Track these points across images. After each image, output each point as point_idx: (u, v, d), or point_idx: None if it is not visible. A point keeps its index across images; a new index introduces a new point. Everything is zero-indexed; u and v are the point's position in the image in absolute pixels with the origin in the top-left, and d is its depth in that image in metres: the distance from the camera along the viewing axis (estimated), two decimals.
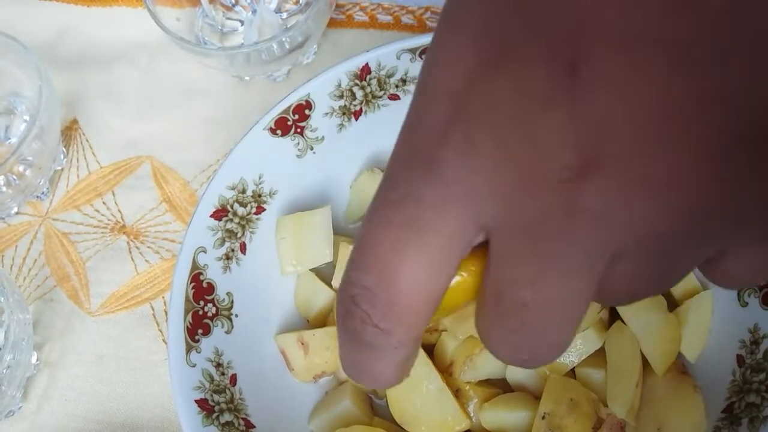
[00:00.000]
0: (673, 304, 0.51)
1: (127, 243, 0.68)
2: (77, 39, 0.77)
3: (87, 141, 0.73)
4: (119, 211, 0.69)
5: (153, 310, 0.65)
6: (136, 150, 0.72)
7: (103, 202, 0.70)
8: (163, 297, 0.65)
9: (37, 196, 0.70)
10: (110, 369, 0.63)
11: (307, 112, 0.56)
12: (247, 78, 0.73)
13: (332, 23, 0.74)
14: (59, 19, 0.78)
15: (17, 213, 0.70)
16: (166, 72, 0.75)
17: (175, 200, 0.69)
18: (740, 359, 0.48)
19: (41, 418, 0.62)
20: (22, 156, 0.65)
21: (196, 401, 0.48)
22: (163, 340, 0.63)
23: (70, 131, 0.73)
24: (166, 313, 0.64)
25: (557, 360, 0.47)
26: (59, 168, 0.71)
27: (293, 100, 0.56)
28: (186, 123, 0.72)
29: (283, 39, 0.66)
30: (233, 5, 0.74)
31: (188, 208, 0.68)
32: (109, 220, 0.69)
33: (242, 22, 0.74)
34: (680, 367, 0.50)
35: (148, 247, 0.67)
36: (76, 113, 0.74)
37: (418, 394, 0.49)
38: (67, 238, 0.69)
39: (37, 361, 0.64)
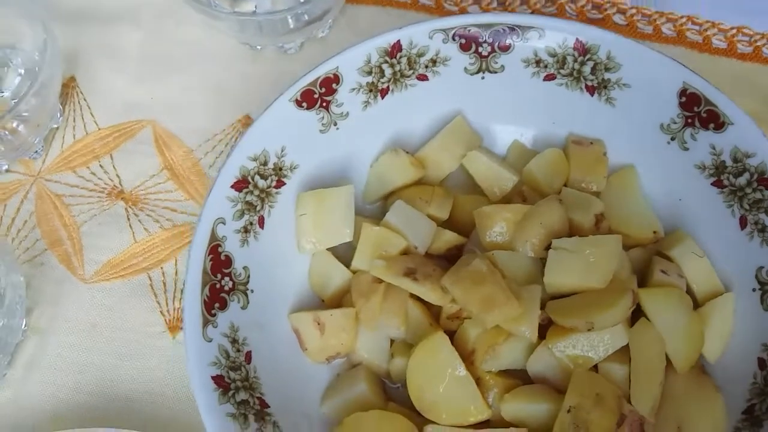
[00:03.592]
0: (695, 305, 0.51)
1: (125, 209, 0.65)
2: None
3: (85, 100, 0.70)
4: (117, 175, 0.66)
5: (151, 280, 0.62)
6: (137, 113, 0.69)
7: (101, 165, 0.67)
8: (161, 267, 0.63)
9: (30, 155, 0.67)
10: (103, 339, 0.60)
11: (334, 86, 0.55)
12: (258, 47, 0.70)
13: None
14: None
15: (7, 171, 0.67)
16: (171, 33, 0.72)
17: (177, 168, 0.66)
18: (762, 362, 0.48)
19: (28, 386, 0.59)
20: (19, 112, 0.61)
21: (212, 377, 0.46)
22: (161, 312, 0.61)
23: (67, 89, 0.70)
24: (164, 284, 0.62)
25: (583, 354, 0.47)
26: (55, 126, 0.68)
27: (321, 72, 0.54)
28: (191, 88, 0.70)
29: (300, 11, 0.64)
30: None
31: (191, 177, 0.66)
32: (106, 184, 0.66)
33: None
34: (700, 367, 0.50)
35: (148, 215, 0.65)
36: (75, 70, 0.71)
37: (441, 380, 0.48)
38: (60, 200, 0.65)
39: (24, 326, 0.61)
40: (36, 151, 0.67)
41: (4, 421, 0.58)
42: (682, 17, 0.70)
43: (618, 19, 0.70)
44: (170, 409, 0.58)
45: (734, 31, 0.68)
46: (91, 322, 0.61)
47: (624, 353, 0.49)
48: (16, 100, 0.61)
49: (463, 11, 0.72)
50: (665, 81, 0.53)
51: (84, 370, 0.59)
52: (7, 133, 0.64)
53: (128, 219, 0.64)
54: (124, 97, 0.69)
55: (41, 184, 0.66)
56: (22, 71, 0.68)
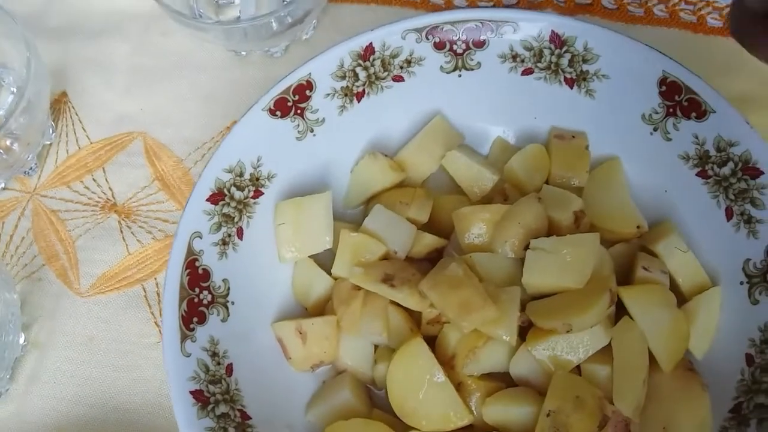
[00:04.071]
0: (681, 300, 0.50)
1: (119, 222, 0.66)
2: (66, 8, 0.74)
3: (76, 114, 0.70)
4: (110, 188, 0.67)
5: (145, 291, 0.63)
6: (128, 125, 0.69)
7: (94, 179, 0.68)
8: (155, 278, 0.63)
9: (25, 172, 0.68)
10: (101, 351, 0.61)
11: (308, 92, 0.54)
12: (243, 53, 0.70)
13: None
14: None
15: (4, 188, 0.68)
16: (159, 44, 0.72)
17: (168, 178, 0.67)
18: (749, 358, 0.47)
19: (29, 400, 0.60)
20: (9, 130, 0.62)
21: (191, 392, 0.47)
22: (155, 322, 0.62)
23: (59, 104, 0.71)
24: (158, 294, 0.63)
25: (563, 356, 0.46)
26: (48, 143, 0.69)
27: (294, 79, 0.54)
28: (180, 98, 0.70)
29: (283, 14, 0.64)
30: None
31: (182, 187, 0.66)
32: (99, 197, 0.67)
33: None
34: (687, 364, 0.49)
35: (140, 226, 0.65)
36: (66, 86, 0.72)
37: (420, 386, 0.48)
38: (56, 216, 0.67)
39: (24, 342, 0.62)
40: (31, 168, 0.68)
41: None
42: None
43: (607, 3, 0.68)
44: (166, 420, 0.58)
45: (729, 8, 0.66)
46: (88, 335, 0.62)
47: (607, 353, 0.48)
48: (6, 119, 0.62)
49: (449, 4, 0.71)
50: (644, 70, 0.52)
51: (83, 383, 0.60)
52: (1, 151, 0.65)
53: (121, 231, 0.65)
54: (115, 110, 0.70)
55: (37, 201, 0.67)
56: (14, 89, 0.69)
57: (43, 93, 0.65)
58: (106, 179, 0.68)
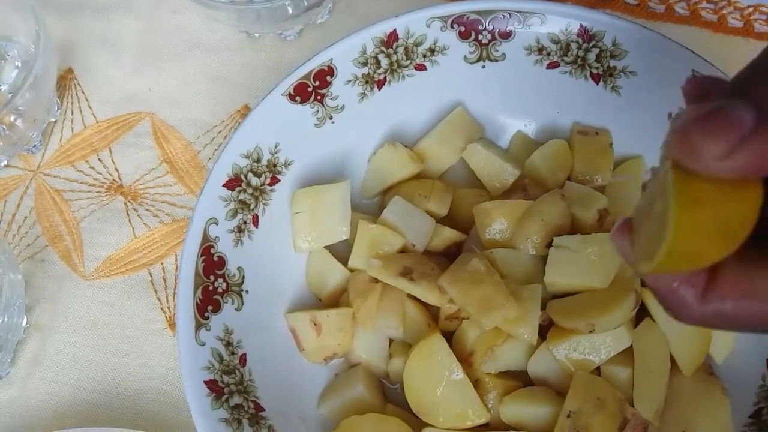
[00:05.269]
0: None
1: (125, 204, 0.64)
2: None
3: (83, 92, 0.68)
4: (116, 169, 0.66)
5: (151, 276, 0.62)
6: (136, 105, 0.68)
7: (99, 159, 0.66)
8: (162, 263, 0.62)
9: (29, 149, 0.66)
10: (105, 336, 0.60)
11: (328, 78, 0.53)
12: (256, 35, 0.69)
13: None
14: None
15: (7, 166, 0.66)
16: (169, 23, 0.70)
17: (177, 161, 0.65)
18: None
19: (31, 384, 0.59)
20: (15, 106, 0.60)
21: (205, 382, 0.46)
22: (162, 308, 0.60)
23: (64, 81, 0.69)
24: (164, 280, 0.61)
25: (584, 357, 0.46)
26: (53, 120, 0.67)
27: (315, 65, 0.52)
28: (189, 79, 0.68)
29: None
30: None
31: (190, 170, 0.65)
32: (105, 178, 0.65)
33: None
34: (707, 368, 0.48)
35: (147, 209, 0.64)
36: (72, 62, 0.70)
37: (438, 383, 0.47)
38: (60, 196, 0.65)
39: (26, 324, 0.60)
40: (35, 145, 0.66)
41: (10, 419, 0.58)
42: None
43: None
44: (172, 407, 0.57)
45: (751, 9, 0.65)
46: (92, 319, 0.61)
47: (628, 355, 0.47)
48: (12, 94, 0.60)
49: None
50: (674, 68, 0.51)
51: (86, 368, 0.59)
52: (5, 128, 0.63)
53: (128, 214, 0.64)
54: (122, 88, 0.68)
55: (40, 179, 0.66)
56: (19, 63, 0.67)
57: (51, 69, 0.63)
58: (112, 160, 0.66)
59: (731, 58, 0.66)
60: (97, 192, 0.65)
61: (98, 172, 0.66)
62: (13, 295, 0.57)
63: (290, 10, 0.64)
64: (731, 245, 0.27)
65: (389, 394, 0.52)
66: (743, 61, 0.65)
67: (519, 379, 0.50)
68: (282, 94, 0.52)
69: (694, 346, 0.47)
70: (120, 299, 0.61)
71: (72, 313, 0.61)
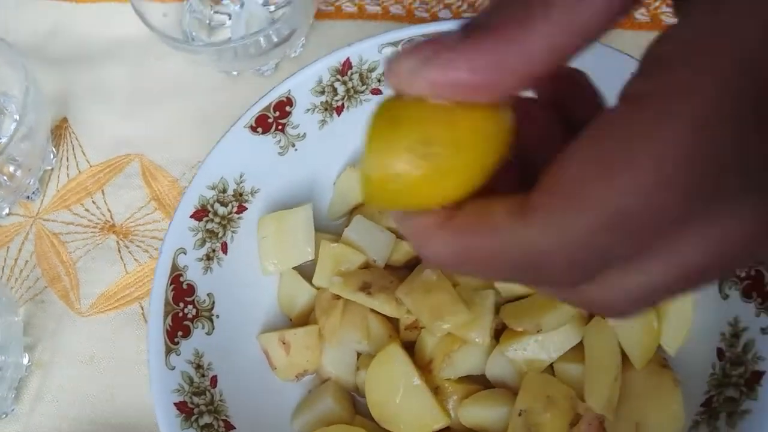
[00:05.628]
0: None
1: (117, 242, 0.68)
2: (67, 37, 0.77)
3: (77, 140, 0.73)
4: (108, 210, 0.69)
5: (142, 309, 0.65)
6: (126, 148, 0.72)
7: (93, 201, 0.70)
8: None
9: (28, 197, 0.70)
10: (101, 369, 0.63)
11: (288, 108, 0.56)
12: (235, 73, 0.72)
13: (320, 15, 0.74)
14: (48, 18, 0.78)
15: (9, 214, 0.70)
16: (154, 68, 0.74)
17: (164, 198, 0.69)
18: (720, 353, 0.47)
19: (34, 419, 0.62)
20: (11, 156, 0.65)
21: (175, 404, 0.48)
22: None
23: (60, 130, 0.73)
24: None
25: (535, 356, 0.47)
26: (49, 168, 0.71)
27: (273, 97, 0.55)
28: (175, 120, 0.72)
29: (270, 32, 0.66)
30: None
31: (177, 205, 0.68)
32: (99, 219, 0.69)
33: (230, 16, 0.73)
34: (660, 360, 0.49)
35: (137, 245, 0.67)
36: (67, 112, 0.74)
37: (396, 391, 0.49)
38: (57, 239, 0.69)
39: (28, 362, 0.64)
40: (33, 192, 0.70)
41: None
42: (655, 0, 0.68)
43: None
44: None
45: None
46: (89, 353, 0.64)
47: (580, 352, 0.49)
48: (5, 146, 0.65)
49: (434, 17, 0.72)
50: (618, 76, 0.52)
51: (85, 401, 0.62)
52: (5, 178, 0.67)
53: (119, 251, 0.67)
54: (113, 133, 0.72)
55: (40, 225, 0.70)
56: (17, 117, 0.71)
57: (43, 120, 0.68)
58: (105, 201, 0.70)
59: None
60: (92, 232, 0.69)
61: (92, 214, 0.69)
62: (11, 335, 0.61)
63: (263, 44, 0.68)
64: (449, 175, 0.23)
65: (360, 407, 0.54)
66: None
67: (480, 383, 0.51)
68: (244, 127, 0.55)
69: (644, 340, 0.48)
70: (114, 333, 0.64)
71: (70, 349, 0.64)
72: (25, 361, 0.64)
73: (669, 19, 0.67)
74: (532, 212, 0.22)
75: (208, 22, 0.73)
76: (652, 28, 0.67)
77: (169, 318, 0.50)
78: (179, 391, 0.49)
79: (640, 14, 0.68)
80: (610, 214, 0.21)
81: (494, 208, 0.23)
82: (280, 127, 0.56)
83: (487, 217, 0.23)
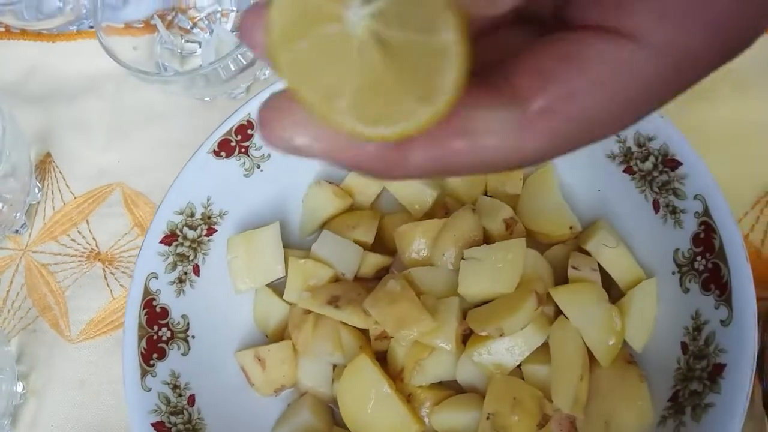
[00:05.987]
0: (619, 294, 0.51)
1: (103, 269, 0.70)
2: (45, 75, 0.79)
3: (60, 173, 0.75)
4: (94, 239, 0.71)
5: None
6: (108, 178, 0.74)
7: (79, 231, 0.72)
8: None
9: (16, 230, 0.72)
10: (92, 394, 0.65)
11: (249, 131, 0.57)
12: (207, 99, 0.74)
13: None
14: (27, 58, 0.80)
15: None
16: (131, 99, 0.76)
17: (146, 224, 0.71)
18: (684, 346, 0.48)
19: None
20: None
21: (152, 424, 0.50)
22: None
23: (44, 165, 0.76)
24: None
25: (500, 359, 0.48)
26: (35, 202, 0.73)
27: (234, 121, 0.57)
28: (152, 147, 0.74)
29: (237, 55, 0.67)
30: (191, 27, 0.76)
31: None
32: (84, 248, 0.71)
33: (200, 44, 0.75)
34: (627, 357, 0.50)
35: (123, 272, 0.69)
36: (50, 147, 0.76)
37: (368, 401, 0.50)
38: (46, 269, 0.71)
39: (23, 390, 0.66)
40: (21, 226, 0.73)
41: None
42: None
43: None
44: None
45: None
46: (80, 378, 0.66)
47: (546, 353, 0.49)
48: None
49: None
50: None
51: (78, 426, 0.64)
52: None
53: (105, 278, 0.69)
54: (95, 164, 0.74)
55: (29, 257, 0.72)
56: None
57: (24, 157, 0.70)
58: (89, 230, 0.72)
59: None
60: (78, 261, 0.71)
61: (78, 244, 0.71)
62: (4, 365, 0.63)
63: (232, 67, 0.70)
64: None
65: (338, 418, 0.55)
66: None
67: (452, 389, 0.52)
68: (207, 152, 0.56)
69: (607, 338, 0.49)
70: (103, 358, 0.66)
71: (62, 376, 0.66)
72: (20, 389, 0.66)
73: None
74: (545, 86, 0.22)
75: (179, 51, 0.75)
76: None
77: (144, 341, 0.52)
78: (156, 411, 0.50)
79: None
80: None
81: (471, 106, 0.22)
82: (243, 149, 0.58)
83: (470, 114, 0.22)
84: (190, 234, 0.56)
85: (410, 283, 0.52)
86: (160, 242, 0.55)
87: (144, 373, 0.51)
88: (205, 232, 0.57)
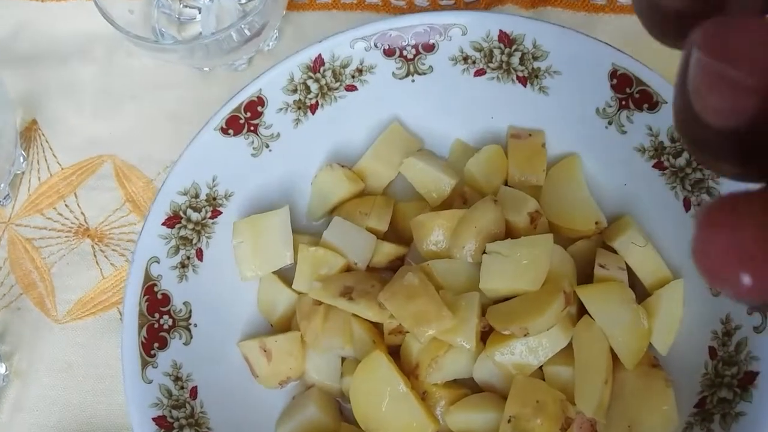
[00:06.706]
0: (644, 294, 0.49)
1: (92, 246, 0.66)
2: (33, 36, 0.74)
3: (47, 142, 0.71)
4: (82, 213, 0.68)
5: (120, 314, 0.63)
6: (98, 149, 0.70)
7: (66, 205, 0.68)
8: None
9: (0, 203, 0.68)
10: (80, 377, 0.62)
11: (259, 108, 0.54)
12: (207, 69, 0.70)
13: (293, 6, 0.72)
14: (14, 17, 0.75)
15: None
16: (124, 66, 0.72)
17: (139, 200, 0.67)
18: (712, 351, 0.46)
19: (14, 429, 0.61)
20: None
21: (153, 419, 0.47)
22: None
23: (29, 132, 0.71)
24: None
25: (523, 360, 0.46)
26: (20, 172, 0.69)
27: (244, 97, 0.53)
28: (147, 118, 0.70)
29: (242, 26, 0.64)
30: None
31: None
32: (72, 223, 0.67)
33: (200, 10, 0.71)
34: (651, 360, 0.48)
35: (113, 249, 0.66)
36: (35, 113, 0.72)
37: (382, 399, 0.48)
38: (31, 244, 0.67)
39: (6, 371, 0.62)
40: (4, 197, 0.69)
41: None
42: None
43: None
44: None
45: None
46: (67, 361, 0.62)
47: (570, 354, 0.48)
48: None
49: (411, 6, 0.70)
50: (595, 64, 0.51)
51: (64, 410, 0.61)
52: None
53: (95, 256, 0.66)
54: (84, 134, 0.70)
55: (12, 230, 0.68)
56: None
57: (9, 123, 0.66)
58: (78, 204, 0.68)
59: None
60: (66, 237, 0.67)
61: (65, 218, 0.68)
62: None
63: (236, 39, 0.66)
64: None
65: (346, 413, 0.53)
66: None
67: (468, 387, 0.50)
68: (214, 129, 0.53)
69: (633, 340, 0.47)
70: (92, 339, 0.63)
71: (48, 357, 0.63)
72: (2, 370, 0.62)
73: None
74: None
75: (177, 17, 0.71)
76: (632, 12, 0.66)
77: (144, 330, 0.49)
78: (158, 405, 0.48)
79: None
80: None
81: None
82: (252, 127, 0.54)
83: None
84: (194, 216, 0.53)
85: (428, 276, 0.49)
86: (163, 224, 0.52)
87: (145, 364, 0.48)
88: (209, 214, 0.53)
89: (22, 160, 0.69)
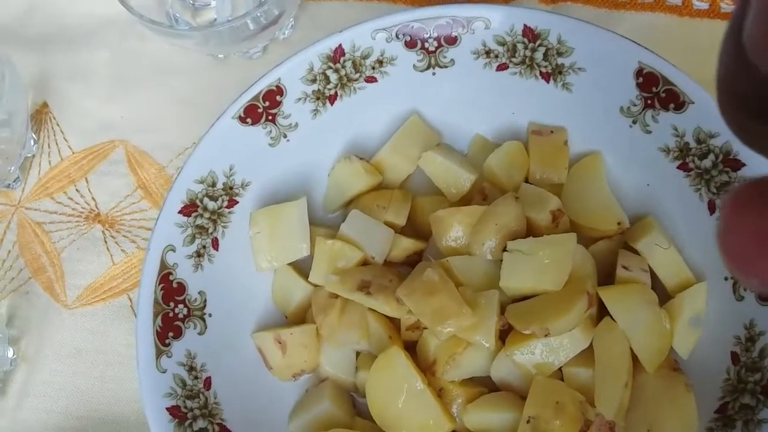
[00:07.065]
0: (666, 298, 0.49)
1: (102, 232, 0.65)
2: (44, 18, 0.73)
3: (58, 125, 0.70)
4: (93, 198, 0.67)
5: (130, 301, 0.63)
6: (109, 134, 0.69)
7: (77, 189, 0.67)
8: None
9: (9, 185, 0.67)
10: (88, 363, 0.61)
11: (278, 98, 0.53)
12: (221, 56, 0.69)
13: None
14: None
15: None
16: (137, 50, 0.71)
17: (151, 186, 0.66)
18: (735, 357, 0.46)
19: (21, 414, 0.60)
20: None
21: (167, 409, 0.47)
22: None
23: (40, 115, 0.70)
24: None
25: (543, 360, 0.46)
26: (30, 155, 0.68)
27: (262, 86, 0.53)
28: (160, 104, 0.69)
29: (258, 14, 0.63)
30: None
31: (164, 194, 0.66)
32: (83, 208, 0.67)
33: None
34: (672, 363, 0.48)
35: (124, 236, 0.65)
36: (47, 96, 0.71)
37: (399, 395, 0.47)
38: (41, 228, 0.66)
39: (14, 355, 0.62)
40: (14, 180, 0.68)
41: None
42: None
43: None
44: None
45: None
46: (76, 347, 0.62)
47: (589, 355, 0.47)
48: None
49: None
50: (620, 61, 0.50)
51: (72, 395, 0.61)
52: None
53: (105, 242, 0.65)
54: (96, 118, 0.69)
55: (22, 213, 0.67)
56: None
57: (21, 105, 0.65)
58: (89, 189, 0.67)
59: (698, 40, 0.65)
60: (76, 222, 0.66)
61: (76, 203, 0.67)
62: None
63: (251, 27, 0.65)
64: None
65: (359, 407, 0.53)
66: (711, 43, 0.65)
67: (485, 385, 0.49)
68: (232, 118, 0.52)
69: (655, 343, 0.47)
70: (102, 326, 0.62)
71: (56, 343, 0.62)
72: (10, 354, 0.62)
73: (727, 6, 0.65)
74: None
75: (192, 2, 0.70)
76: (653, 9, 0.65)
77: (159, 318, 0.49)
78: (171, 395, 0.47)
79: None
80: None
81: None
82: (270, 117, 0.54)
83: None
84: (211, 205, 0.52)
85: (447, 272, 0.49)
86: (179, 212, 0.51)
87: (159, 353, 0.48)
88: (226, 203, 0.53)
89: (32, 143, 0.69)
